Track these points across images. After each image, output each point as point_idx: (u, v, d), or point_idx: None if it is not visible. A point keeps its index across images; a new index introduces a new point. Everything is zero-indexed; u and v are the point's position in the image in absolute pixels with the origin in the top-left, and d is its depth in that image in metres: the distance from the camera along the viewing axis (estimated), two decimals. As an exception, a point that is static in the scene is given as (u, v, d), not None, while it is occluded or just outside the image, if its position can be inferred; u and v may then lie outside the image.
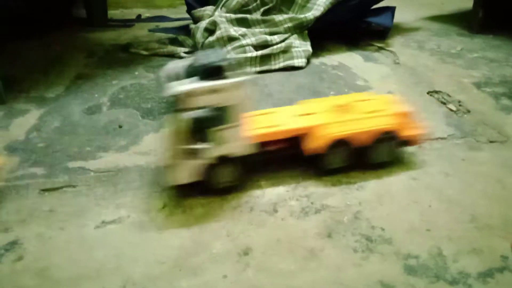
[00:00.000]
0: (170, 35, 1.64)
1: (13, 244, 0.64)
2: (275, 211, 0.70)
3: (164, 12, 2.17)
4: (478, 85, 1.15)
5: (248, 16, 1.41)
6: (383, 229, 0.65)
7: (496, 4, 1.58)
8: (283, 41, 1.36)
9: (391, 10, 1.63)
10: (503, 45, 1.47)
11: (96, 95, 1.15)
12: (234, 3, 1.43)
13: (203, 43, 1.35)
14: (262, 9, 1.44)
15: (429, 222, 0.67)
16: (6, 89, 1.12)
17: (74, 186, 0.77)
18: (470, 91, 1.12)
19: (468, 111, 1.01)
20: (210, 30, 1.37)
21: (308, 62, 1.34)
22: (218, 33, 1.34)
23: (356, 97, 0.87)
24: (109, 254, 0.62)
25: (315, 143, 0.75)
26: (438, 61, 1.35)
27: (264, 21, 1.40)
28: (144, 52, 1.49)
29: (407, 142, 0.80)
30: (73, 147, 0.90)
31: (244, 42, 1.33)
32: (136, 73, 1.31)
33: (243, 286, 0.57)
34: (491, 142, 0.89)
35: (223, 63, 0.67)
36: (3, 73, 1.11)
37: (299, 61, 1.31)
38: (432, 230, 0.65)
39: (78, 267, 0.60)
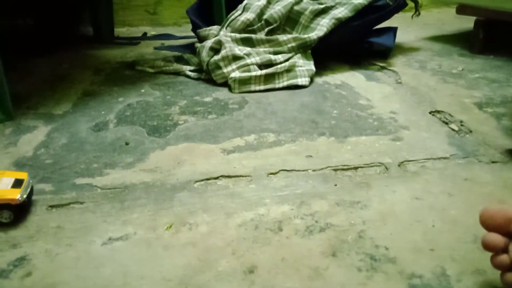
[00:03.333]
0: (176, 53, 1.67)
1: (21, 260, 0.65)
2: (280, 229, 0.71)
3: (169, 30, 2.22)
4: (479, 105, 1.17)
5: (252, 36, 1.44)
6: (387, 248, 0.66)
7: (497, 25, 1.61)
8: (287, 60, 1.38)
9: (393, 30, 1.67)
10: (504, 65, 1.49)
11: (103, 112, 1.17)
12: (239, 23, 1.46)
13: (208, 61, 1.38)
14: (266, 29, 1.47)
15: (433, 242, 0.67)
16: (14, 105, 1.14)
17: (81, 203, 0.78)
18: (472, 111, 1.14)
19: (470, 131, 1.02)
20: (215, 49, 1.40)
21: (311, 81, 1.36)
22: (223, 52, 1.37)
23: None
24: (116, 271, 0.63)
25: None
26: (439, 81, 1.37)
27: (268, 41, 1.43)
28: (150, 70, 1.51)
29: None
30: (80, 164, 0.91)
31: (248, 61, 1.36)
32: (142, 90, 1.33)
33: (248, 305, 0.58)
34: (493, 162, 0.90)
35: None
36: (12, 89, 1.13)
37: (303, 80, 1.33)
38: (436, 250, 0.66)
39: (85, 284, 0.60)
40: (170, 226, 0.72)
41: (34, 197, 0.79)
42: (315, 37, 1.41)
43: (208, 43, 1.41)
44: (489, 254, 0.64)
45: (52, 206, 0.77)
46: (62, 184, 0.84)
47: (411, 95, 1.26)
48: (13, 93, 1.15)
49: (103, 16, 1.95)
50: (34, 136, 1.04)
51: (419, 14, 1.72)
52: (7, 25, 1.73)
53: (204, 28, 1.58)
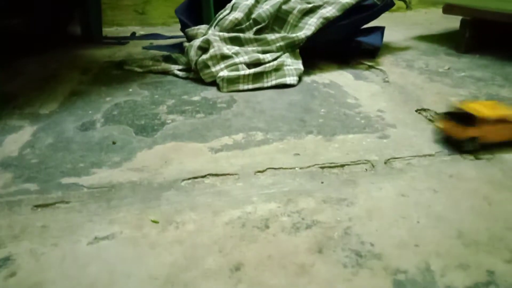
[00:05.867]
0: (164, 53, 1.66)
1: (5, 260, 0.64)
2: (267, 227, 0.71)
3: (158, 30, 2.21)
4: (465, 104, 1.18)
5: (241, 35, 1.44)
6: (372, 245, 0.66)
7: (483, 25, 1.63)
8: (275, 59, 1.39)
9: (380, 30, 1.68)
10: (490, 64, 1.51)
11: (90, 112, 1.16)
12: (227, 22, 1.46)
13: (196, 61, 1.38)
14: (254, 28, 1.47)
15: (418, 238, 0.68)
16: (0, 105, 1.13)
17: (67, 202, 0.78)
18: (458, 109, 1.15)
19: (456, 129, 1.03)
20: (203, 48, 1.40)
21: (299, 80, 1.37)
22: (211, 51, 1.36)
23: None
24: (102, 270, 0.62)
25: None
26: (426, 79, 1.38)
27: (256, 40, 1.43)
28: (138, 69, 1.51)
29: None
30: (66, 163, 0.91)
31: (237, 60, 1.36)
32: (130, 90, 1.33)
33: (234, 302, 0.58)
34: (477, 159, 0.91)
35: None
36: (-3, 89, 1.13)
37: (291, 79, 1.34)
38: (420, 246, 0.66)
39: (71, 283, 0.60)
40: (156, 223, 0.72)
41: (18, 197, 0.79)
42: (303, 36, 1.42)
43: (197, 42, 1.41)
44: (473, 249, 0.65)
45: (37, 206, 0.77)
46: (47, 183, 0.83)
47: (398, 93, 1.27)
48: (0, 93, 1.14)
49: (91, 15, 1.93)
50: (20, 136, 1.03)
51: (411, 8, 1.74)
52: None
53: (193, 28, 1.58)
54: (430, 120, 1.09)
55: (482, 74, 1.41)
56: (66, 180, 0.84)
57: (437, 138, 0.99)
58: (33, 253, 0.66)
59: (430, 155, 0.92)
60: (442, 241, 0.67)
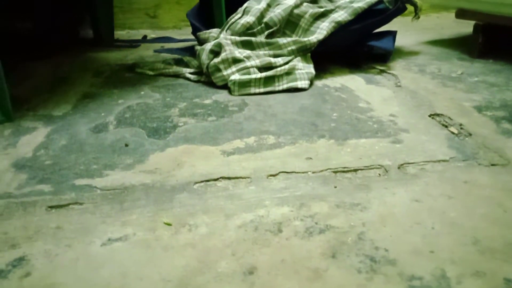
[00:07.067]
0: (176, 56, 1.67)
1: (20, 261, 0.65)
2: (280, 231, 0.71)
3: (169, 33, 2.22)
4: (479, 109, 1.17)
5: (252, 38, 1.44)
6: (386, 250, 0.66)
7: (496, 29, 1.62)
8: (286, 63, 1.39)
9: (392, 34, 1.67)
10: (503, 69, 1.50)
11: (102, 114, 1.17)
12: (239, 26, 1.47)
13: (208, 64, 1.38)
14: (266, 32, 1.47)
15: (432, 244, 0.67)
16: (14, 107, 1.14)
17: (80, 204, 0.78)
18: (471, 114, 1.14)
19: (470, 134, 1.02)
20: (215, 52, 1.40)
21: (311, 84, 1.37)
22: (223, 55, 1.37)
23: None
24: (115, 272, 0.62)
25: None
26: (439, 84, 1.37)
27: (268, 44, 1.44)
28: (150, 72, 1.51)
29: None
30: (80, 165, 0.91)
31: (248, 64, 1.36)
32: (142, 92, 1.33)
33: (248, 306, 0.58)
34: (492, 165, 0.90)
35: None
36: (12, 92, 1.14)
37: (302, 83, 1.34)
38: (435, 252, 0.66)
39: (84, 285, 0.60)
40: (169, 224, 0.72)
41: (33, 198, 0.79)
42: (315, 40, 1.41)
43: (208, 45, 1.42)
44: (489, 256, 0.65)
45: (51, 207, 0.77)
46: (61, 185, 0.84)
47: (410, 98, 1.26)
48: (13, 95, 1.15)
49: (103, 19, 1.95)
50: (34, 137, 1.04)
51: (419, 17, 1.73)
52: (6, 28, 1.73)
53: (204, 31, 1.58)
54: (443, 125, 1.08)
55: (496, 79, 1.40)
56: (79, 182, 0.85)
57: (451, 144, 0.98)
58: (47, 254, 0.66)
59: (444, 161, 0.91)
60: (457, 248, 0.67)
